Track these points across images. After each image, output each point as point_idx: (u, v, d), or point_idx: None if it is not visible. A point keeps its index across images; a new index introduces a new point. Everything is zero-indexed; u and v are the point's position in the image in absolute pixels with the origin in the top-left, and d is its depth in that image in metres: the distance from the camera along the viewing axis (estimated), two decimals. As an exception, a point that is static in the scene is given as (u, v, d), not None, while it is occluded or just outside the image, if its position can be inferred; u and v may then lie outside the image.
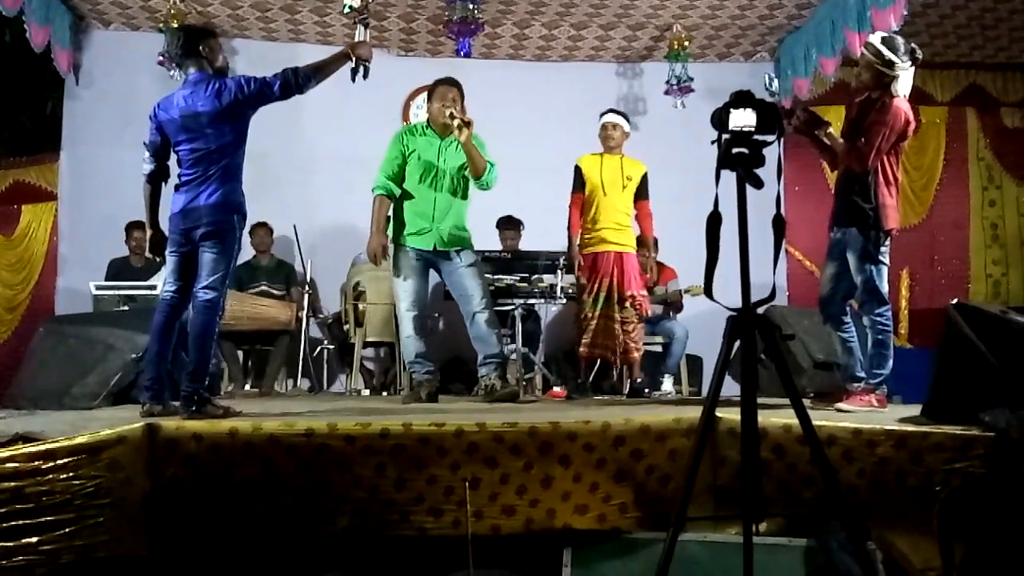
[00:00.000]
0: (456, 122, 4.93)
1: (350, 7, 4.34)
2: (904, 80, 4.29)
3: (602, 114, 6.00)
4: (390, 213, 5.26)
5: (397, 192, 5.19)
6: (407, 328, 5.17)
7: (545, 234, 6.00)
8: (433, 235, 5.13)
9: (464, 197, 5.24)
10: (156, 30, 7.34)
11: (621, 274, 5.77)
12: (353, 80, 4.24)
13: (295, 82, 4.04)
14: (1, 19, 6.80)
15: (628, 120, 6.03)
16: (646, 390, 6.19)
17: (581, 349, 5.84)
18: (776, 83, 4.58)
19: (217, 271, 3.99)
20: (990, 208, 8.56)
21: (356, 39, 4.28)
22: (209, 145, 4.00)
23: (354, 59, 4.19)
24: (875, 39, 4.37)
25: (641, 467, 3.41)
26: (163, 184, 4.24)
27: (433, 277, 5.45)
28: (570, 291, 6.51)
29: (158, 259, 4.41)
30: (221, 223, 4.00)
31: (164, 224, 4.21)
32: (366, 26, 4.35)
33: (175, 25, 6.71)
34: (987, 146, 8.57)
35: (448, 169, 5.16)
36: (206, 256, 4.01)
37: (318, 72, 4.11)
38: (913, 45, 4.31)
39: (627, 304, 5.76)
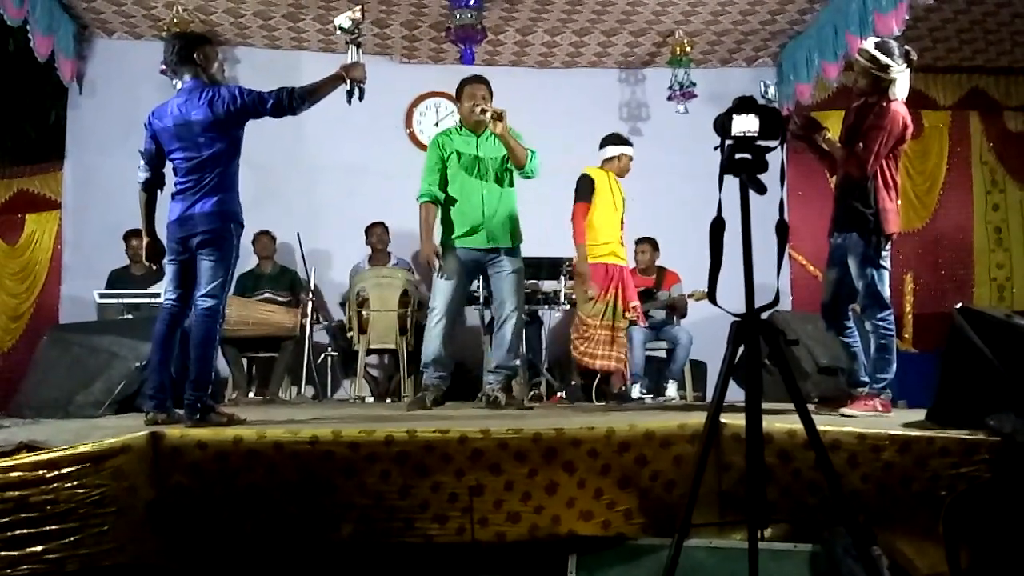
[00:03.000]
0: (488, 115, 4.94)
1: (341, 28, 4.32)
2: (901, 83, 4.29)
3: (625, 141, 6.08)
4: (438, 219, 5.24)
5: (441, 197, 5.17)
6: (434, 329, 5.09)
7: (547, 241, 5.99)
8: (485, 232, 5.08)
9: (511, 186, 5.20)
10: (159, 39, 7.36)
11: (625, 286, 5.87)
12: (349, 102, 4.20)
13: (288, 103, 4.05)
14: (5, 28, 6.83)
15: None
16: (646, 394, 6.25)
17: (585, 359, 5.85)
18: (772, 90, 4.59)
19: (216, 279, 4.00)
20: (994, 212, 8.55)
21: (349, 60, 4.26)
22: (201, 153, 4.00)
23: (348, 81, 4.17)
24: (868, 44, 4.37)
25: (646, 473, 3.40)
26: (158, 192, 4.25)
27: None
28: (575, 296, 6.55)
29: (154, 267, 4.42)
30: (217, 231, 4.01)
31: (162, 232, 4.22)
32: (358, 46, 4.32)
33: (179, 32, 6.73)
34: (990, 150, 8.58)
35: (490, 161, 5.12)
36: (204, 264, 4.02)
37: (313, 94, 4.11)
38: (907, 47, 4.32)
39: (626, 315, 5.83)
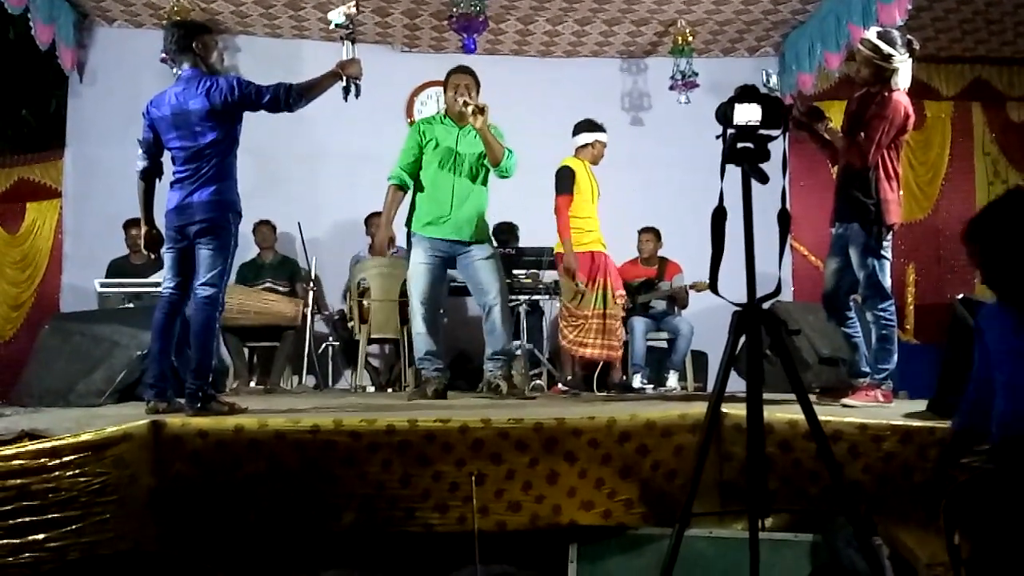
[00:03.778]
0: (470, 108, 4.88)
1: (336, 24, 4.31)
2: (903, 73, 4.28)
3: (597, 127, 6.01)
4: (408, 204, 5.21)
5: (410, 183, 5.15)
6: (417, 323, 5.07)
7: (548, 231, 5.98)
8: (450, 224, 5.04)
9: (484, 184, 5.17)
10: (160, 27, 7.34)
11: (611, 274, 5.88)
12: (345, 99, 4.20)
13: (285, 99, 4.05)
14: (6, 16, 6.83)
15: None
16: (647, 384, 6.24)
17: (575, 347, 5.83)
18: (774, 79, 4.57)
19: (214, 267, 4.01)
20: (996, 203, 8.53)
21: (344, 57, 4.24)
22: (198, 143, 4.01)
23: (344, 78, 4.17)
24: (870, 34, 4.36)
25: (647, 463, 3.41)
26: (157, 181, 4.26)
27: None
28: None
29: (152, 256, 4.42)
30: (214, 220, 4.02)
31: (160, 220, 4.23)
32: (353, 42, 4.30)
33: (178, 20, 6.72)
34: (993, 140, 8.56)
35: (467, 156, 5.08)
36: (202, 253, 4.03)
37: (309, 92, 4.11)
38: (909, 37, 4.31)
39: (616, 301, 5.82)
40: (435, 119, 5.30)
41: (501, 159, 4.98)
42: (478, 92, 5.13)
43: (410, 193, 5.22)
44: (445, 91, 5.22)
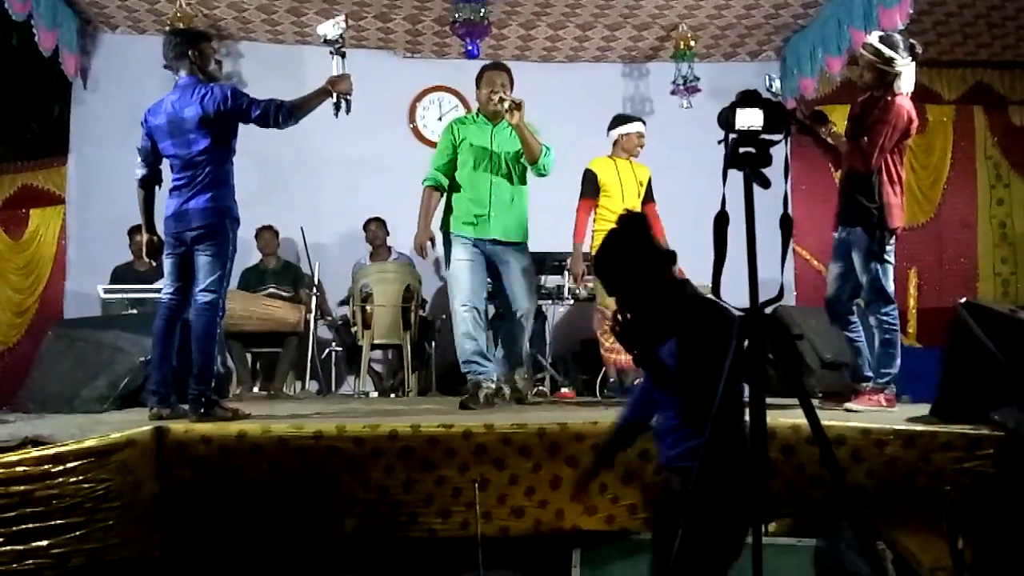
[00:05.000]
0: (506, 105, 4.82)
1: (326, 39, 4.31)
2: (906, 77, 4.29)
3: (625, 120, 5.96)
4: (442, 205, 5.15)
5: (445, 183, 5.08)
6: (461, 325, 4.89)
7: (552, 235, 5.97)
8: (489, 223, 4.97)
9: (523, 183, 5.12)
10: (162, 34, 7.33)
11: None
12: (336, 115, 4.23)
13: (275, 116, 4.07)
14: (9, 23, 6.84)
15: None
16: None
17: (612, 355, 5.61)
18: (777, 84, 4.57)
19: (213, 273, 4.04)
20: (998, 207, 8.52)
21: (334, 72, 4.25)
22: (192, 150, 4.05)
23: (335, 94, 4.18)
24: (873, 39, 4.37)
25: (649, 468, 3.40)
26: (156, 188, 4.29)
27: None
28: (577, 292, 6.54)
29: (154, 263, 4.44)
30: (211, 226, 4.05)
31: (161, 227, 4.26)
32: (343, 57, 4.29)
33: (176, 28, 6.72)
34: (995, 144, 8.54)
35: (502, 154, 5.03)
36: (201, 259, 4.06)
37: (299, 110, 4.14)
38: (912, 41, 4.31)
39: None
40: (468, 118, 5.28)
41: (539, 156, 4.93)
42: (512, 90, 5.08)
43: (445, 195, 5.15)
44: (478, 88, 5.16)
